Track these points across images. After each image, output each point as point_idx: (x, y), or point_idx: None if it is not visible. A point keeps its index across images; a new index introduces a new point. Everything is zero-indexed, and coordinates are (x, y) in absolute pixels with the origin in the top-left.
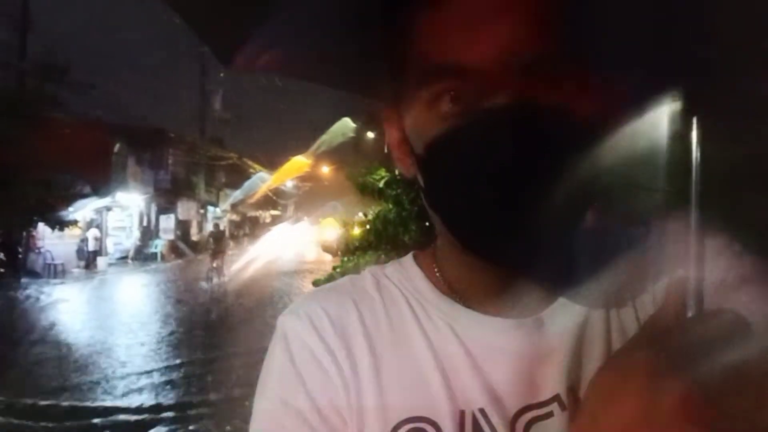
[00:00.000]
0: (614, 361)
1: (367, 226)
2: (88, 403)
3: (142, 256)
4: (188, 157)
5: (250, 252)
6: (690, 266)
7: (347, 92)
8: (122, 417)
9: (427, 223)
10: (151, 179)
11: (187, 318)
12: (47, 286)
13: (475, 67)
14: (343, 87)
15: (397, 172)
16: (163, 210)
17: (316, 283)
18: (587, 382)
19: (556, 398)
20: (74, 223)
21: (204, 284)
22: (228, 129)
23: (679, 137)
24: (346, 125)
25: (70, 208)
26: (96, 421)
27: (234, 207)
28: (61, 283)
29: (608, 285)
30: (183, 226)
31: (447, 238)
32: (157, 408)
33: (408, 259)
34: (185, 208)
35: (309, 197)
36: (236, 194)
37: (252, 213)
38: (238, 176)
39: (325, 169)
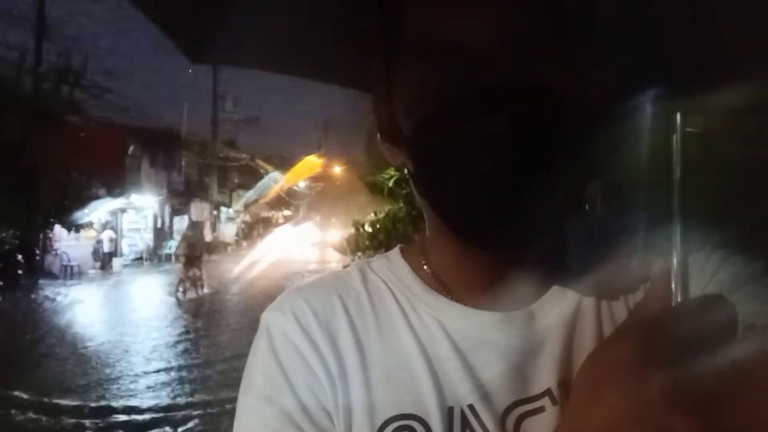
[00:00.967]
0: (601, 351)
1: (377, 225)
2: (103, 403)
3: (156, 257)
4: (201, 159)
5: (253, 253)
6: (675, 255)
7: (340, 86)
8: (138, 416)
9: None
10: (164, 181)
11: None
12: (64, 287)
13: (468, 42)
14: (331, 79)
15: (405, 171)
16: (176, 211)
17: None
18: None
19: (547, 392)
20: (90, 224)
21: (171, 298)
22: (240, 130)
23: (664, 129)
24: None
25: (86, 210)
26: (112, 418)
27: (247, 208)
28: (78, 284)
29: (599, 275)
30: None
31: (435, 225)
32: (171, 407)
33: (395, 253)
34: (198, 209)
35: (321, 197)
36: (249, 195)
37: (265, 213)
38: (250, 177)
39: (337, 169)
